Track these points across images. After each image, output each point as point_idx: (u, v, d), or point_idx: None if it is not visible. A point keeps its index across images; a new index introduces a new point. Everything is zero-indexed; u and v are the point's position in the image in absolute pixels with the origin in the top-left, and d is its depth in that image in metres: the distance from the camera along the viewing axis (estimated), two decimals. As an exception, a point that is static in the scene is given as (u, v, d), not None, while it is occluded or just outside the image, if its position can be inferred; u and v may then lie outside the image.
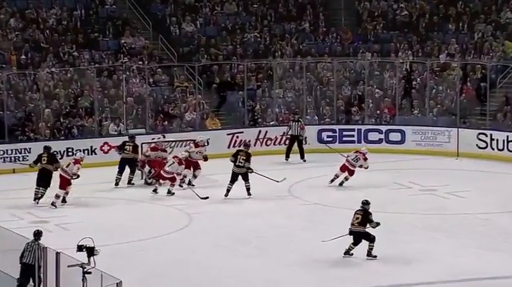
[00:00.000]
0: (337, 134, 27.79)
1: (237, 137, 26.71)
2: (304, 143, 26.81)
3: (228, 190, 22.00)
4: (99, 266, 12.64)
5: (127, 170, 23.62)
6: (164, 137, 25.38)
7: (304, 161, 26.34)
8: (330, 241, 17.35)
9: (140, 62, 28.81)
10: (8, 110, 26.26)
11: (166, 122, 27.36)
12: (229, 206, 21.70)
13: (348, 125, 28.12)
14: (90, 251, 12.60)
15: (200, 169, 23.31)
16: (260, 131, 27.59)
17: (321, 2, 32.20)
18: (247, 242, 18.60)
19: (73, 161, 21.91)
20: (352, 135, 27.67)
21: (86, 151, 24.88)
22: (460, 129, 27.20)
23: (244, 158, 21.96)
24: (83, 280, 12.43)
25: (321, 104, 28.89)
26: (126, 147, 23.64)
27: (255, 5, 31.67)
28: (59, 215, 20.62)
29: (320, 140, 27.75)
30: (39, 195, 21.59)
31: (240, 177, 22.05)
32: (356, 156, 23.12)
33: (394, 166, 25.31)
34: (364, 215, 16.98)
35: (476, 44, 30.08)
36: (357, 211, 17.13)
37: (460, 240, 18.69)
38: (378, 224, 16.99)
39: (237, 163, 21.93)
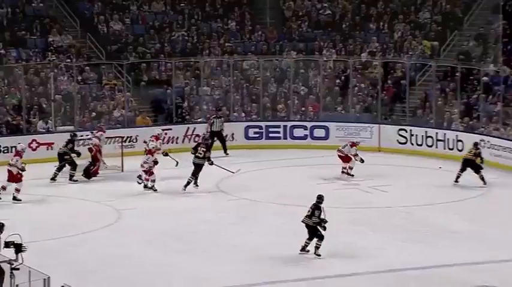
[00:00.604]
0: (263, 130, 27.83)
1: (166, 133, 26.47)
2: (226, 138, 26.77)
3: (188, 183, 22.09)
4: (27, 263, 12.40)
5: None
6: (93, 133, 25.09)
7: (227, 155, 26.22)
8: (258, 236, 17.28)
9: (68, 60, 28.49)
10: None
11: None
12: (160, 202, 21.56)
13: (274, 122, 28.16)
14: (18, 248, 12.38)
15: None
16: (188, 128, 27.47)
17: (246, 1, 32.14)
18: (177, 237, 18.45)
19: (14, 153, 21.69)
20: (278, 132, 27.73)
21: (14, 149, 24.37)
22: (381, 125, 27.48)
23: (204, 149, 22.27)
24: (10, 276, 12.22)
25: (248, 102, 28.83)
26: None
27: (182, 4, 31.50)
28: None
29: (246, 137, 27.69)
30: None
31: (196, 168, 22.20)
32: (345, 144, 23.79)
33: (319, 161, 25.35)
34: (313, 209, 17.01)
35: (396, 43, 30.37)
36: (312, 205, 17.14)
37: (384, 233, 18.82)
38: (324, 223, 16.92)
39: (197, 154, 22.15)
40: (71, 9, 30.19)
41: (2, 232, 13.95)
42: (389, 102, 28.62)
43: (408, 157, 26.14)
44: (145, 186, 22.22)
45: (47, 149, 25.48)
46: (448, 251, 17.52)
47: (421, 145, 26.71)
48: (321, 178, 23.46)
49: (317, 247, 16.91)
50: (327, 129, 27.77)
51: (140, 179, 22.37)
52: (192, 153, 22.36)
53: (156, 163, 22.15)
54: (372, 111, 28.38)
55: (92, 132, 24.55)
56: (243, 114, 28.58)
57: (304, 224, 17.08)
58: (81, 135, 24.74)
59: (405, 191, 22.53)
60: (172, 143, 26.90)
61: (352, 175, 23.57)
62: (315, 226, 16.93)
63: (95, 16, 30.39)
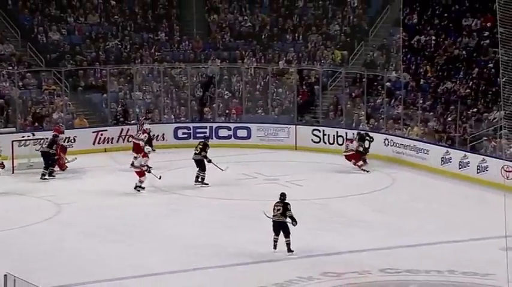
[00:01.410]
0: (191, 131, 27.77)
1: (101, 134, 26.33)
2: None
3: (197, 176, 22.25)
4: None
5: None
6: (34, 135, 24.90)
7: (154, 151, 26.12)
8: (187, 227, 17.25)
9: (10, 67, 28.05)
10: None
11: (36, 123, 26.72)
12: (96, 197, 21.33)
13: (201, 123, 28.14)
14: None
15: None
16: (122, 129, 27.25)
17: (175, 14, 32.04)
18: (113, 230, 18.34)
19: None
20: (205, 132, 27.62)
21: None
22: (297, 126, 27.66)
23: (201, 147, 22.41)
24: None
25: (177, 105, 28.80)
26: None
27: (116, 16, 31.25)
28: None
29: (176, 137, 27.64)
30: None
31: (195, 164, 22.24)
32: (346, 145, 24.50)
33: (242, 158, 25.46)
34: (284, 207, 16.57)
35: (310, 52, 30.61)
36: (277, 203, 16.67)
37: (300, 223, 18.93)
38: (295, 221, 16.50)
39: (194, 151, 22.33)
40: (12, 21, 29.72)
41: None
42: (304, 106, 28.85)
43: (321, 154, 26.33)
44: (139, 187, 21.65)
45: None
46: (358, 239, 17.78)
47: (332, 144, 26.95)
48: (243, 173, 23.55)
49: (288, 244, 16.46)
50: (249, 129, 27.87)
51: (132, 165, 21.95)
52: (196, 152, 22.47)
53: (148, 170, 21.66)
54: (289, 114, 28.57)
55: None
56: (173, 117, 28.54)
57: (272, 222, 16.56)
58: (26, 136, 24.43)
59: (319, 185, 22.74)
60: (108, 143, 26.72)
61: (368, 171, 23.94)
62: (285, 222, 16.44)
63: (35, 27, 29.98)
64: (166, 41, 31.15)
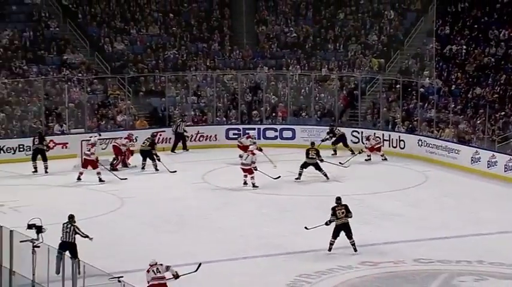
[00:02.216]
0: (241, 132, 27.66)
1: (160, 135, 26.41)
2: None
3: (300, 174, 22.26)
4: (46, 242, 12.34)
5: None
6: (100, 135, 25.05)
7: (188, 150, 26.18)
8: (236, 219, 17.18)
9: (79, 74, 28.30)
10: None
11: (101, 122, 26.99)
12: (154, 192, 21.41)
13: (250, 125, 28.06)
14: (39, 229, 12.39)
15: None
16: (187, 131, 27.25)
17: (227, 26, 32.06)
18: (168, 221, 18.38)
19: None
20: (253, 133, 27.57)
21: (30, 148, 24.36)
22: (338, 128, 27.38)
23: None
24: (32, 252, 12.14)
25: (228, 108, 28.80)
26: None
27: (174, 28, 31.36)
28: (11, 200, 20.03)
29: (227, 137, 27.63)
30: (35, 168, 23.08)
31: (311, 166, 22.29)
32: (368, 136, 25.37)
33: (287, 157, 25.26)
34: (346, 208, 16.03)
35: (350, 60, 30.40)
36: (337, 207, 16.03)
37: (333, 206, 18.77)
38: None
39: (309, 156, 22.31)
40: (81, 32, 29.99)
41: (74, 221, 14.62)
42: (344, 109, 28.66)
43: (361, 153, 26.01)
44: (249, 184, 21.37)
45: (62, 148, 25.32)
46: (393, 231, 17.58)
47: (370, 144, 26.73)
48: (288, 171, 23.37)
49: (354, 244, 15.93)
50: (293, 131, 27.74)
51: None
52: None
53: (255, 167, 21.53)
54: (330, 116, 28.39)
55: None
56: (224, 119, 28.54)
57: (339, 224, 15.89)
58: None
59: (357, 182, 22.52)
60: (166, 143, 26.81)
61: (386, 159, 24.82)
62: (349, 223, 15.91)
63: (102, 38, 30.22)
64: (218, 50, 31.18)
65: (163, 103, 28.33)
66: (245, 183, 21.46)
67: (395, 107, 27.58)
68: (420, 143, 25.42)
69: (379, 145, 25.19)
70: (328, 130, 26.04)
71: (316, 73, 29.37)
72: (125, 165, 23.89)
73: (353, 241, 15.94)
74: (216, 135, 27.59)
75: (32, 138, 23.96)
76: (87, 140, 23.82)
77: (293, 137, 27.59)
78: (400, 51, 29.98)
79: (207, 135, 27.52)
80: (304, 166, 22.38)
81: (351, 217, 16.04)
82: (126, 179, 22.41)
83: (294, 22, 32.02)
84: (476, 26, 28.58)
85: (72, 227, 14.38)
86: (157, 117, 28.07)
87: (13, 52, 28.42)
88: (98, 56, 29.53)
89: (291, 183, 22.27)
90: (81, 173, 22.17)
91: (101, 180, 22.05)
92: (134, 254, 15.75)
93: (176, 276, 13.29)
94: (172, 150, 26.27)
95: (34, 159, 23.37)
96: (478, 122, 24.97)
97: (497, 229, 17.61)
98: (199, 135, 27.44)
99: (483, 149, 23.58)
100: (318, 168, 22.29)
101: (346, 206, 16.10)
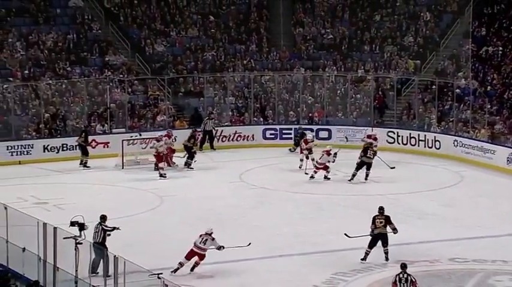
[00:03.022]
0: (278, 132, 27.69)
1: (199, 135, 26.48)
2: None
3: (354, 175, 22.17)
4: (88, 239, 12.45)
5: None
6: (141, 135, 25.25)
7: (214, 149, 26.19)
8: (273, 218, 17.16)
9: (121, 75, 28.49)
10: (14, 114, 25.83)
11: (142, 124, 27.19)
12: (192, 190, 21.47)
13: (287, 125, 28.02)
14: (81, 226, 12.53)
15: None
16: (217, 130, 27.35)
17: (264, 27, 32.07)
18: (206, 219, 18.38)
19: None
20: (290, 133, 27.61)
21: (76, 147, 24.59)
22: (373, 128, 27.22)
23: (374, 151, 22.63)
24: (75, 249, 12.27)
25: (266, 109, 28.80)
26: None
27: (213, 30, 31.44)
28: (55, 198, 20.27)
29: (264, 137, 27.63)
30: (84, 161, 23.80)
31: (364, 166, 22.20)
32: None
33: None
34: (386, 219, 15.60)
35: (386, 61, 30.20)
36: (377, 216, 15.61)
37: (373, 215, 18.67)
38: (396, 230, 15.63)
39: (367, 155, 22.19)
40: (123, 35, 30.20)
41: (105, 222, 14.57)
42: (380, 110, 28.48)
43: (395, 153, 25.75)
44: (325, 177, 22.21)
45: (103, 147, 25.55)
46: (428, 230, 17.44)
47: (406, 144, 26.53)
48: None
49: (387, 252, 15.54)
50: (329, 131, 27.62)
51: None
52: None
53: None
54: (366, 117, 28.24)
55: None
56: (261, 119, 28.54)
57: (374, 234, 15.50)
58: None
59: (392, 181, 22.37)
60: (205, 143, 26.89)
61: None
62: (387, 233, 15.48)
63: (142, 40, 30.42)
64: (256, 52, 31.19)
65: (201, 103, 28.43)
66: (312, 177, 22.17)
67: (431, 107, 27.34)
68: (456, 143, 25.17)
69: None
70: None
71: (352, 74, 29.22)
72: (169, 165, 23.78)
73: (387, 249, 15.59)
74: (253, 135, 27.61)
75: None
76: (127, 139, 24.05)
77: (329, 137, 27.46)
78: (436, 52, 29.69)
79: (245, 135, 27.53)
80: (361, 165, 22.11)
81: (394, 231, 15.50)
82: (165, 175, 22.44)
83: (330, 24, 31.90)
84: (512, 27, 28.24)
85: (100, 227, 14.42)
86: (197, 117, 28.14)
87: (57, 54, 28.75)
88: (138, 57, 29.71)
89: (328, 182, 22.20)
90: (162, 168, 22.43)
91: (161, 175, 22.17)
92: (172, 251, 15.80)
93: (219, 248, 14.50)
94: (200, 148, 26.12)
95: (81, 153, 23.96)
96: (514, 122, 24.67)
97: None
98: (236, 135, 27.47)
99: (519, 149, 23.29)
100: (369, 168, 22.16)
101: (387, 217, 15.66)
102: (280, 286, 14.29)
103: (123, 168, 23.77)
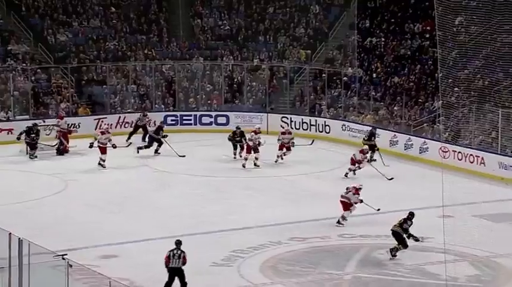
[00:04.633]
0: (178, 118, 27.55)
1: (102, 121, 26.06)
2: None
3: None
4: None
5: None
6: (44, 121, 24.70)
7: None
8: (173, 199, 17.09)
9: (24, 64, 27.69)
10: None
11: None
12: (97, 174, 21.15)
13: (187, 112, 27.93)
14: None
15: (259, 151, 21.88)
16: (120, 117, 27.01)
17: (164, 19, 31.77)
18: (111, 202, 18.21)
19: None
20: (190, 119, 27.59)
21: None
22: (268, 114, 27.52)
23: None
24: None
25: (166, 96, 28.62)
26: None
27: (114, 21, 30.92)
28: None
29: (166, 123, 27.39)
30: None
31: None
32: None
33: (221, 142, 25.19)
34: (403, 222, 14.86)
35: (279, 51, 30.50)
36: (407, 217, 14.89)
37: (272, 197, 18.94)
38: (414, 238, 14.82)
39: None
40: (25, 24, 29.31)
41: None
42: (274, 97, 28.77)
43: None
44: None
45: (7, 134, 24.80)
46: (320, 209, 17.73)
47: (298, 129, 26.86)
48: (224, 155, 23.36)
49: (395, 249, 14.77)
50: (227, 117, 27.72)
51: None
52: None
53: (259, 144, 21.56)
54: (261, 104, 28.48)
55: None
56: (163, 106, 28.35)
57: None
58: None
59: (287, 165, 22.57)
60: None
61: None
62: (399, 233, 14.79)
63: (45, 29, 29.63)
64: (157, 42, 30.89)
65: (104, 91, 27.97)
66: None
67: (321, 94, 27.84)
68: (344, 127, 25.74)
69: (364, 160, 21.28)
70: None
71: (248, 63, 29.39)
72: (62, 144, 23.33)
73: (397, 247, 14.70)
74: (155, 121, 27.33)
75: None
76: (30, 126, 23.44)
77: (227, 123, 27.55)
78: (325, 43, 30.20)
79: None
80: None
81: (405, 232, 14.74)
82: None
83: (227, 16, 31.93)
84: (393, 20, 29.00)
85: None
86: (99, 104, 27.68)
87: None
88: (41, 47, 28.92)
89: (224, 166, 22.29)
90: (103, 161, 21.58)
91: (100, 164, 21.57)
92: (78, 233, 15.59)
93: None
94: (128, 138, 25.59)
95: None
96: (396, 108, 25.42)
97: (413, 206, 17.77)
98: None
99: (400, 133, 24.01)
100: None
101: (404, 220, 14.83)
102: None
103: (27, 154, 23.14)
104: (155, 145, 23.47)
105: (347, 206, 16.74)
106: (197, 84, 28.83)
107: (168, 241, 15.33)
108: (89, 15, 30.74)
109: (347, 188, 16.98)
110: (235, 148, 22.64)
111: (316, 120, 26.58)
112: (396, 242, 14.80)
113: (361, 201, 16.78)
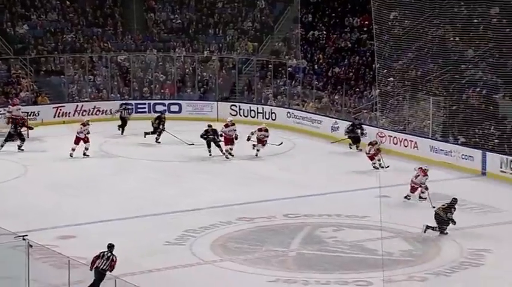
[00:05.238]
0: (133, 106, 27.16)
1: (60, 109, 25.65)
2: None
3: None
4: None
5: None
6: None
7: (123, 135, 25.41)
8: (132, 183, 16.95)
9: (-17, 56, 27.10)
10: None
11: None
12: (56, 160, 20.78)
13: (141, 100, 27.64)
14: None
15: (233, 143, 21.47)
16: (77, 105, 26.60)
17: (119, 12, 31.32)
18: (70, 186, 17.98)
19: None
20: (144, 107, 27.31)
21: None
22: (218, 102, 27.45)
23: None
24: None
25: (122, 86, 28.29)
26: None
27: (71, 14, 30.37)
28: None
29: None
30: None
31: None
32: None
33: (173, 128, 24.92)
34: (446, 207, 14.94)
35: (228, 43, 30.40)
36: (450, 202, 14.94)
37: (222, 179, 18.94)
38: (453, 222, 14.88)
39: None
40: (-16, 17, 28.67)
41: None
42: (223, 86, 28.70)
43: (238, 125, 25.88)
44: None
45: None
46: (267, 191, 17.83)
47: (247, 116, 26.88)
48: (177, 141, 23.19)
49: (434, 228, 14.81)
50: (180, 105, 27.55)
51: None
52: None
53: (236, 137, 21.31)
54: (211, 93, 28.39)
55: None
56: (118, 95, 28.03)
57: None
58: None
59: (237, 149, 22.56)
60: (65, 116, 26.08)
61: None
62: (443, 217, 14.80)
63: (4, 22, 28.96)
64: (112, 34, 30.45)
65: (62, 81, 27.53)
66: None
67: (268, 83, 27.90)
68: (289, 115, 25.86)
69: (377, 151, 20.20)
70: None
71: (199, 55, 29.23)
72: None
73: (436, 227, 14.77)
74: (111, 109, 27.04)
75: None
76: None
77: (179, 111, 27.39)
78: (270, 36, 30.22)
79: (103, 110, 26.91)
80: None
81: (451, 221, 14.77)
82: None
83: (178, 10, 31.66)
84: (334, 14, 29.17)
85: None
86: (57, 93, 27.25)
87: None
88: (1, 39, 28.25)
89: (177, 151, 22.18)
90: (73, 150, 20.83)
91: (85, 154, 20.92)
92: (39, 215, 15.36)
93: None
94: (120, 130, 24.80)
95: None
96: (337, 96, 25.64)
97: (352, 187, 18.19)
98: (95, 109, 26.84)
99: (341, 119, 24.23)
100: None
101: (449, 205, 14.89)
102: (136, 243, 14.19)
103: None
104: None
105: (414, 189, 16.96)
106: (151, 75, 28.57)
107: (125, 223, 15.32)
108: (47, 8, 30.14)
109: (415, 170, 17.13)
110: (208, 146, 21.49)
111: (263, 108, 26.63)
112: (436, 224, 14.70)
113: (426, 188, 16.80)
